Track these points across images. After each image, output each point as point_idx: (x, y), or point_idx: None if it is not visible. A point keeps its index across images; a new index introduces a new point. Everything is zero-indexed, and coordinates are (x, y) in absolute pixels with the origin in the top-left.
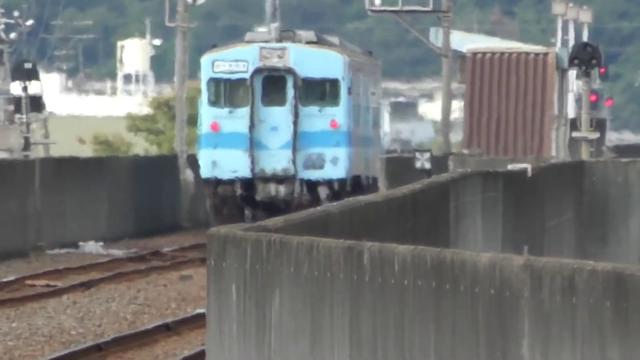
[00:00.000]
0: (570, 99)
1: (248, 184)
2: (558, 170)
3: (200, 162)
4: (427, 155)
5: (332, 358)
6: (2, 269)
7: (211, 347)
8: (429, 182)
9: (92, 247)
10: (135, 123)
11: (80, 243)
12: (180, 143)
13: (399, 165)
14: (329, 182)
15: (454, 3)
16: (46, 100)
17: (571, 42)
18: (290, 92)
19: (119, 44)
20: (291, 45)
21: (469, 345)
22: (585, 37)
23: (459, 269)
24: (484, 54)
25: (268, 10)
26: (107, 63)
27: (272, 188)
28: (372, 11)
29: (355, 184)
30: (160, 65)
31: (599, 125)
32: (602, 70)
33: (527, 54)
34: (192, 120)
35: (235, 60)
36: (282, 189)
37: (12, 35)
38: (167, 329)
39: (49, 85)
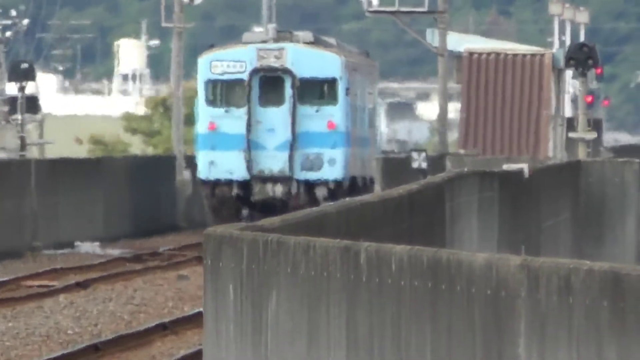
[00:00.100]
0: (567, 99)
1: (245, 185)
2: (555, 171)
3: (198, 163)
4: (423, 155)
5: (328, 358)
6: None
7: (208, 347)
8: (425, 182)
9: (88, 247)
10: (131, 124)
11: (77, 243)
12: (177, 143)
13: (395, 166)
14: (326, 183)
15: (450, 4)
16: (42, 100)
17: (568, 43)
18: (287, 92)
19: (115, 43)
20: (289, 45)
21: (465, 345)
22: (581, 38)
23: (455, 269)
24: (480, 54)
25: (265, 11)
26: (104, 63)
27: (269, 188)
28: (370, 12)
29: (352, 185)
30: (157, 65)
31: (595, 126)
32: (599, 70)
33: (524, 54)
34: (189, 120)
35: (232, 60)
36: (279, 190)
37: (8, 34)
38: (164, 329)
39: (46, 86)
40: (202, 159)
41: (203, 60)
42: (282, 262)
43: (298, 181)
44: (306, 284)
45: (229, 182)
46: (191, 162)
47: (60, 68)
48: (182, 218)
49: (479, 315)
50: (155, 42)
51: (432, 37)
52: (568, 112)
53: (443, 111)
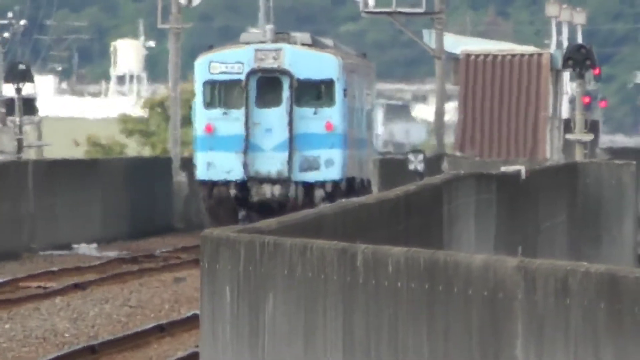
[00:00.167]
0: (565, 100)
1: (243, 186)
2: (552, 172)
3: (196, 164)
4: (420, 156)
5: None
6: None
7: (205, 349)
8: (422, 184)
9: (85, 248)
10: (127, 126)
11: (74, 245)
12: (174, 145)
13: (392, 167)
14: (323, 184)
15: (447, 5)
16: (40, 102)
17: (565, 44)
18: (285, 93)
19: (112, 44)
20: (286, 46)
21: (462, 346)
22: (579, 39)
23: (453, 270)
24: (477, 55)
25: (262, 12)
26: (100, 64)
27: (267, 190)
28: (366, 12)
29: (350, 186)
30: (154, 66)
31: (592, 128)
32: (596, 71)
33: (521, 55)
34: (186, 121)
35: (230, 62)
36: (277, 191)
37: (5, 35)
38: (161, 331)
39: (43, 87)
40: (200, 160)
41: (201, 62)
42: (279, 264)
43: (296, 182)
44: (303, 286)
45: (227, 183)
46: (188, 164)
47: (58, 69)
48: (179, 219)
49: (476, 316)
50: (152, 43)
51: (429, 38)
52: (565, 113)
53: (440, 113)
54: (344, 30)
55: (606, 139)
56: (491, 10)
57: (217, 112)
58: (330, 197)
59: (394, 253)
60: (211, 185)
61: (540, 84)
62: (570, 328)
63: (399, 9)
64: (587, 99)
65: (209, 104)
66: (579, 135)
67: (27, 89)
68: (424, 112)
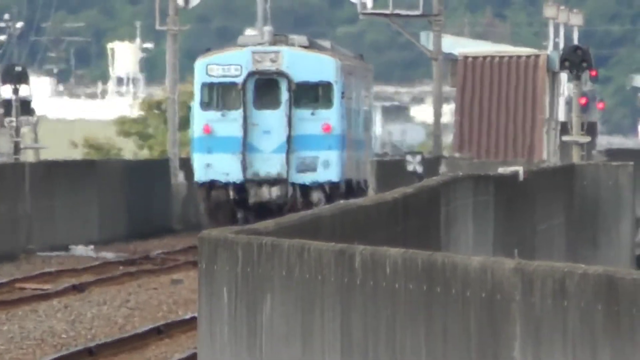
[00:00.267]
0: (561, 102)
1: (241, 187)
2: (549, 174)
3: (194, 166)
4: (418, 158)
5: None
6: None
7: (203, 350)
8: (420, 186)
9: (82, 250)
10: (124, 128)
11: (71, 246)
12: (172, 146)
13: (390, 169)
14: (321, 186)
15: (444, 6)
16: (36, 104)
17: (562, 45)
18: (283, 95)
19: (109, 46)
20: (284, 48)
21: (460, 348)
22: (576, 40)
23: (450, 272)
24: (475, 57)
25: (259, 14)
26: (98, 66)
27: (265, 191)
28: (364, 14)
29: (347, 187)
30: (151, 68)
31: (589, 129)
32: (594, 73)
33: (519, 57)
34: (184, 123)
35: (228, 64)
36: (275, 192)
37: (3, 37)
38: (159, 332)
39: (39, 89)
40: (198, 161)
41: (199, 64)
42: (277, 266)
43: (294, 184)
44: (301, 287)
45: (225, 185)
46: (186, 165)
47: (55, 71)
48: (177, 221)
49: (474, 318)
50: (149, 45)
51: (426, 40)
52: (562, 115)
53: (437, 115)
54: (341, 32)
55: (604, 141)
56: (488, 12)
57: (215, 114)
58: (328, 198)
59: (392, 254)
60: (209, 186)
61: (537, 85)
62: (567, 330)
63: (397, 11)
64: (584, 100)
65: (207, 106)
66: (576, 137)
67: (23, 90)
68: (422, 113)
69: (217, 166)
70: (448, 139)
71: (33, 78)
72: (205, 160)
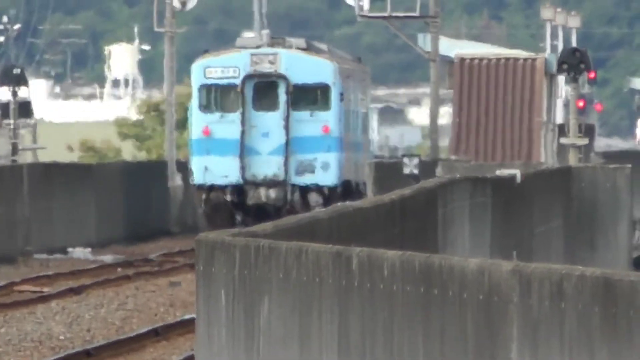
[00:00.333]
0: (559, 104)
1: (239, 190)
2: (547, 176)
3: (192, 168)
4: (415, 160)
5: None
6: None
7: (200, 353)
8: (417, 188)
9: (80, 252)
10: (123, 130)
11: (69, 249)
12: (169, 148)
13: (387, 171)
14: (320, 188)
15: (441, 9)
16: (33, 106)
17: (560, 48)
18: (282, 97)
19: (107, 48)
20: (282, 51)
21: (457, 350)
22: (573, 43)
23: (448, 274)
24: (472, 59)
25: (256, 17)
26: (95, 68)
27: (263, 193)
28: (362, 16)
29: (346, 189)
30: (149, 70)
31: (587, 131)
32: (591, 75)
33: (516, 59)
34: (181, 125)
35: (226, 66)
36: (273, 194)
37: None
38: (156, 335)
39: (36, 91)
40: (197, 164)
41: (197, 66)
42: (274, 268)
43: (292, 186)
44: (298, 290)
45: (223, 187)
46: (183, 167)
47: (52, 73)
48: (175, 223)
49: (471, 320)
50: (147, 47)
51: (423, 42)
52: (560, 117)
53: (434, 117)
54: (339, 34)
55: (602, 143)
56: (486, 14)
57: (213, 116)
58: (327, 200)
59: (389, 256)
60: (208, 189)
61: (535, 88)
62: (565, 332)
63: (394, 13)
64: (582, 103)
65: (205, 108)
66: (574, 139)
67: (21, 92)
68: (419, 115)
69: (215, 168)
70: (445, 141)
71: (30, 80)
72: (204, 162)
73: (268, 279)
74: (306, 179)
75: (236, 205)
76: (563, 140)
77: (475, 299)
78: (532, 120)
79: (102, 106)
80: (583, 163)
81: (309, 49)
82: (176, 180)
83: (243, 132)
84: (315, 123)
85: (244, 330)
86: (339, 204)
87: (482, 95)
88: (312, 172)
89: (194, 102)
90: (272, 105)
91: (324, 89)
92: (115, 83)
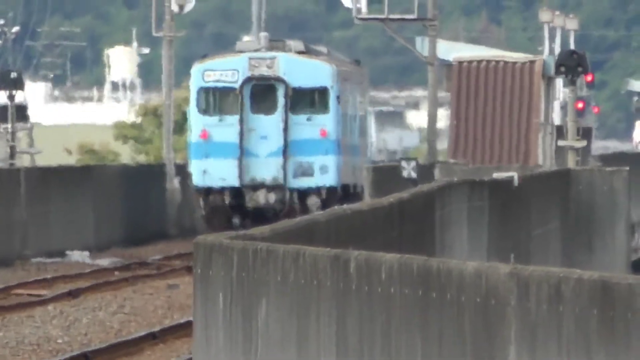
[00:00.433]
0: (557, 106)
1: (238, 192)
2: (544, 179)
3: (191, 171)
4: (413, 164)
5: None
6: None
7: (198, 356)
8: (415, 191)
9: (78, 255)
10: (122, 132)
11: (67, 252)
12: (167, 151)
13: (385, 174)
14: (318, 191)
15: (440, 11)
16: (31, 109)
17: (558, 50)
18: (280, 100)
19: (106, 51)
20: (281, 54)
21: (455, 353)
22: (571, 45)
23: (445, 277)
24: (470, 62)
25: (255, 20)
26: (94, 71)
27: (262, 196)
28: (359, 19)
29: (344, 192)
30: (148, 73)
31: (585, 134)
32: (590, 77)
33: (514, 62)
34: (180, 128)
35: (225, 69)
36: (272, 197)
37: None
38: (154, 338)
39: (34, 95)
40: (195, 167)
41: (196, 70)
42: (272, 271)
43: (291, 189)
44: (296, 293)
45: (222, 190)
46: (181, 170)
47: (51, 76)
48: (173, 226)
49: (469, 323)
50: (146, 50)
51: (421, 45)
52: (557, 119)
53: (432, 120)
54: (336, 36)
55: (599, 145)
56: (484, 17)
57: (212, 119)
58: (325, 203)
59: (387, 259)
60: (206, 192)
61: (533, 90)
62: (563, 335)
63: (392, 16)
64: (581, 105)
65: (204, 111)
66: (571, 141)
67: (18, 96)
68: (418, 118)
69: (213, 171)
70: (444, 144)
71: (28, 83)
72: (202, 165)
73: (266, 282)
74: (304, 182)
75: (234, 208)
76: (561, 143)
77: (473, 302)
78: (530, 123)
79: (101, 109)
80: (581, 165)
81: (307, 51)
82: (174, 183)
83: (242, 135)
84: (314, 126)
85: (242, 333)
86: (336, 207)
87: (480, 98)
88: (311, 175)
89: (193, 105)
90: (271, 109)
91: (323, 92)
92: (114, 86)
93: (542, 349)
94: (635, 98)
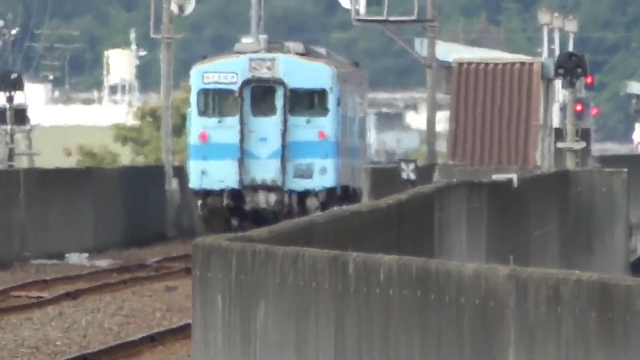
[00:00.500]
0: (556, 108)
1: (237, 194)
2: (543, 181)
3: (190, 173)
4: (412, 165)
5: None
6: None
7: (196, 358)
8: (414, 193)
9: (77, 257)
10: (122, 133)
11: (66, 254)
12: (166, 153)
13: (384, 176)
14: (317, 192)
15: (439, 12)
16: (31, 111)
17: (557, 52)
18: (279, 102)
19: (105, 54)
20: (280, 56)
21: (454, 355)
22: (570, 47)
23: (444, 279)
24: (469, 64)
25: (254, 21)
26: (93, 73)
27: (261, 198)
28: (358, 21)
29: (343, 194)
30: (146, 75)
31: (584, 136)
32: (589, 79)
33: (513, 64)
34: (178, 130)
35: (224, 71)
36: (271, 199)
37: None
38: (153, 340)
39: (34, 97)
40: (194, 168)
41: (196, 71)
42: (271, 273)
43: (290, 190)
44: (294, 294)
45: (221, 192)
46: (180, 172)
47: (50, 78)
48: (172, 228)
49: (468, 325)
50: (144, 52)
51: (420, 47)
52: (556, 121)
53: (431, 122)
54: (335, 38)
55: (598, 147)
56: (483, 18)
57: (212, 121)
58: (324, 205)
59: (386, 261)
60: (205, 194)
61: (532, 92)
62: (561, 336)
63: (391, 18)
64: (580, 107)
65: (203, 112)
66: (570, 143)
67: (17, 98)
68: (417, 120)
69: (212, 173)
70: (443, 146)
71: (28, 85)
72: (201, 167)
73: (264, 284)
74: (304, 184)
75: (233, 210)
76: (560, 144)
77: (472, 304)
78: (529, 125)
79: (100, 111)
80: (580, 167)
81: (307, 53)
82: (173, 185)
83: (242, 137)
84: (313, 128)
85: (241, 335)
86: (335, 208)
87: (479, 100)
88: (310, 177)
89: (193, 107)
90: (270, 110)
91: (322, 93)
92: (113, 88)
93: (541, 350)
94: (634, 100)
